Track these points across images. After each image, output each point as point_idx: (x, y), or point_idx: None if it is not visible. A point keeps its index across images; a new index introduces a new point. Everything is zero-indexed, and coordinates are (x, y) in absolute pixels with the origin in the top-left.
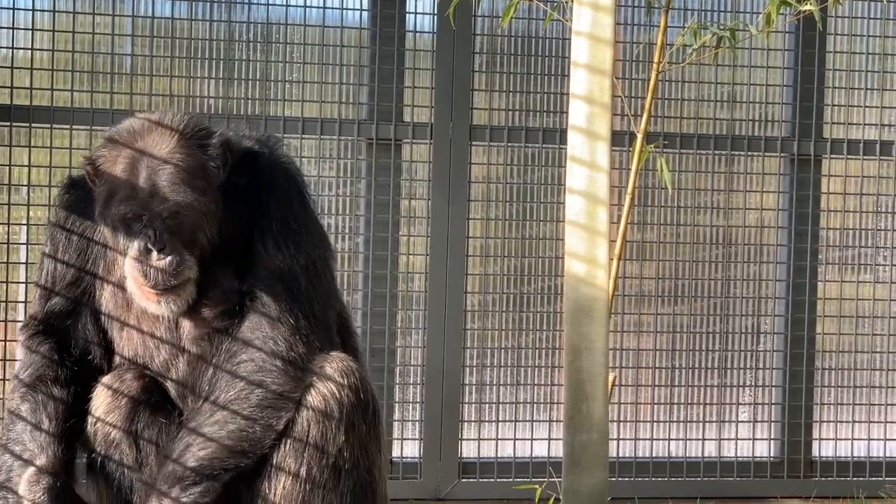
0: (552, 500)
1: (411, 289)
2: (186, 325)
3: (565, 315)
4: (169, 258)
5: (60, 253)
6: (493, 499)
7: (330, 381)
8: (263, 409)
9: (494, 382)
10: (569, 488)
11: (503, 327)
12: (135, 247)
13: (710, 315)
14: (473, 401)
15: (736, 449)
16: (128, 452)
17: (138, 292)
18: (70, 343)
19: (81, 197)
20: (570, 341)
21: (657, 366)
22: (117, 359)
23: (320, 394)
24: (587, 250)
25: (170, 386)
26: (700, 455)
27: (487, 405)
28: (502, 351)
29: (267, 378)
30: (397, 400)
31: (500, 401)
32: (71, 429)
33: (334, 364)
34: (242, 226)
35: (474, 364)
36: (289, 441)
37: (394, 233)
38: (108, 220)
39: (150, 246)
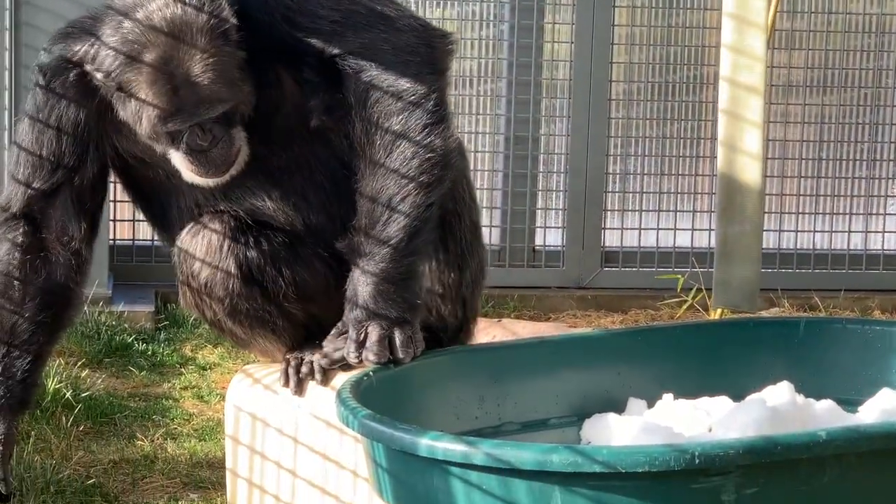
0: (694, 289)
1: (556, 77)
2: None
3: (721, 106)
4: (217, 149)
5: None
6: (635, 287)
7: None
8: (434, 128)
9: (638, 172)
10: (720, 279)
11: (647, 116)
12: (183, 146)
13: (859, 106)
14: (617, 190)
15: (883, 241)
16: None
17: (196, 178)
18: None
19: (74, 80)
20: (726, 132)
21: (804, 157)
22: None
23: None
24: (743, 42)
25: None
26: (845, 247)
27: (631, 195)
28: (646, 140)
29: (423, 102)
30: (541, 188)
31: (644, 190)
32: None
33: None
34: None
35: (618, 153)
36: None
37: (538, 20)
38: (152, 137)
39: (199, 142)
